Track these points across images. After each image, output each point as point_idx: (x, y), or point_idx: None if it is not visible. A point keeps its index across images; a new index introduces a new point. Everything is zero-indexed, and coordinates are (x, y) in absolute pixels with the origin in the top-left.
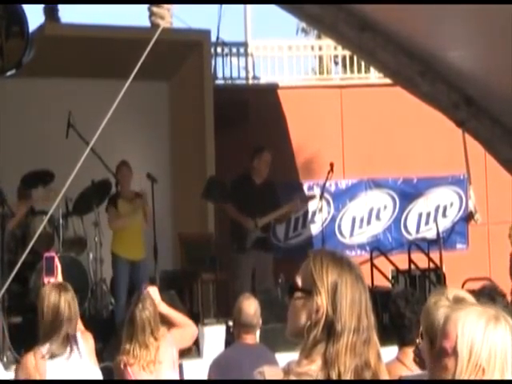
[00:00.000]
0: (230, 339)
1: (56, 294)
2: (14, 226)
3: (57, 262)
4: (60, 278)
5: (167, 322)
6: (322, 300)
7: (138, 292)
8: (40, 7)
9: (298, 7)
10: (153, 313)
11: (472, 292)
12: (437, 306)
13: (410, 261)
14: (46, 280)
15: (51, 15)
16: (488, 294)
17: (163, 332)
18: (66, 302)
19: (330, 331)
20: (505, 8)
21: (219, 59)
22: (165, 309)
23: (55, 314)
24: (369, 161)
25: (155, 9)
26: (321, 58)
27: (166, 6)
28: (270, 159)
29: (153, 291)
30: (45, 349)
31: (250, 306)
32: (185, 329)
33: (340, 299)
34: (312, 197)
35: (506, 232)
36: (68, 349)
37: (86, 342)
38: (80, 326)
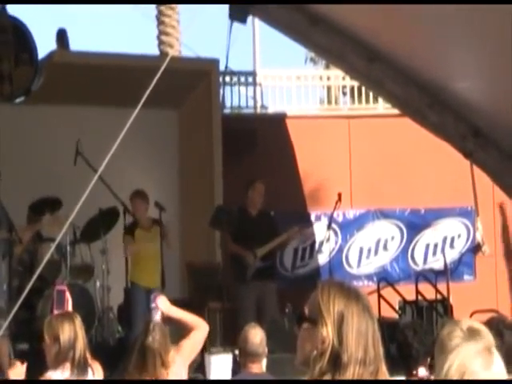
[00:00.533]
0: (237, 368)
1: (62, 323)
2: (21, 252)
3: (68, 295)
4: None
5: (180, 325)
6: (327, 331)
7: (147, 321)
8: (50, 34)
9: (306, 38)
10: (163, 343)
11: None
12: (450, 337)
13: (418, 292)
14: (55, 312)
15: (61, 42)
16: (496, 327)
17: (172, 357)
18: (72, 331)
19: (336, 362)
20: (510, 42)
21: (228, 88)
22: (176, 313)
23: (60, 342)
24: (376, 191)
25: (164, 37)
26: (329, 88)
27: (175, 35)
28: (263, 189)
29: (162, 301)
30: (56, 375)
31: (256, 335)
32: (195, 336)
33: (346, 330)
34: (311, 233)
35: None
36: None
37: (95, 371)
38: (87, 354)
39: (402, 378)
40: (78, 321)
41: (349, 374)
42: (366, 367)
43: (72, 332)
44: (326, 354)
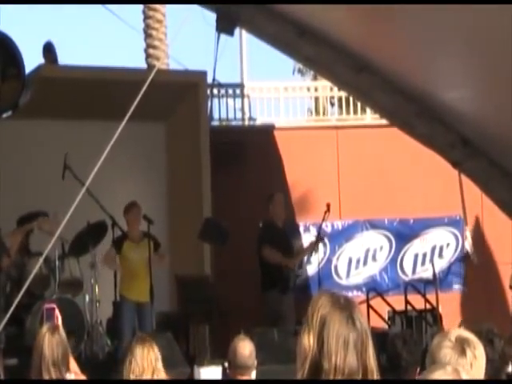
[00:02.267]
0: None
1: (43, 338)
2: (7, 266)
3: (57, 313)
4: (60, 328)
5: None
6: (309, 338)
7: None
8: (37, 48)
9: (294, 49)
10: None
11: None
12: (439, 347)
13: (407, 302)
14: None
15: (48, 56)
16: (485, 336)
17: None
18: (50, 346)
19: (317, 370)
20: (501, 50)
21: (215, 100)
22: None
23: (39, 357)
24: (365, 201)
25: (151, 51)
26: (317, 99)
27: (162, 48)
28: (283, 200)
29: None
30: None
31: (245, 348)
32: None
33: (327, 339)
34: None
35: (503, 273)
36: None
37: None
38: (75, 368)
39: None
40: (58, 336)
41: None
42: (349, 377)
43: (49, 347)
44: (307, 362)
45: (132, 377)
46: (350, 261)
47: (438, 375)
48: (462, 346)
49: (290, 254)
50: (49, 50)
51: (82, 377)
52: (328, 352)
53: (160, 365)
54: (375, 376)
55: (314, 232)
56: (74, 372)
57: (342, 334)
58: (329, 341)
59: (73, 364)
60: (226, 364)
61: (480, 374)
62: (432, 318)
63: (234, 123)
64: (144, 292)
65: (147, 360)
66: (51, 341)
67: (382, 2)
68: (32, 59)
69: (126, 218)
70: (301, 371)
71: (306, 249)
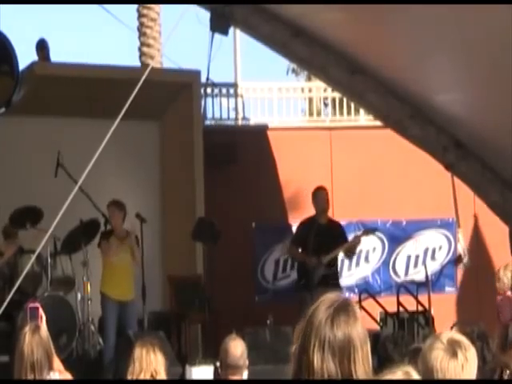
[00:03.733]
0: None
1: (24, 338)
2: (1, 265)
3: (41, 312)
4: (44, 327)
5: None
6: (296, 339)
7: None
8: (31, 46)
9: (288, 50)
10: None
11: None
12: (431, 349)
13: (399, 303)
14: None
15: (41, 53)
16: (477, 337)
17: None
18: (30, 347)
19: (300, 370)
20: (494, 54)
21: (209, 100)
22: None
23: (20, 357)
24: (358, 203)
25: (145, 49)
26: (311, 100)
27: (156, 46)
28: (325, 195)
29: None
30: None
31: (237, 348)
32: None
33: (309, 340)
34: (372, 230)
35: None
36: None
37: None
38: (60, 366)
39: None
40: (38, 335)
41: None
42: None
43: (28, 348)
44: (293, 362)
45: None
46: (343, 262)
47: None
48: (453, 348)
49: (324, 252)
50: (42, 47)
51: (67, 375)
52: (310, 354)
53: (162, 369)
54: (359, 374)
55: None
56: (58, 370)
57: (321, 336)
58: (310, 344)
59: (57, 362)
60: (218, 364)
61: (471, 377)
62: (424, 319)
63: (227, 123)
64: (126, 291)
65: (146, 362)
66: (31, 341)
67: (379, 2)
68: (25, 56)
69: (108, 215)
70: (290, 371)
71: (342, 248)
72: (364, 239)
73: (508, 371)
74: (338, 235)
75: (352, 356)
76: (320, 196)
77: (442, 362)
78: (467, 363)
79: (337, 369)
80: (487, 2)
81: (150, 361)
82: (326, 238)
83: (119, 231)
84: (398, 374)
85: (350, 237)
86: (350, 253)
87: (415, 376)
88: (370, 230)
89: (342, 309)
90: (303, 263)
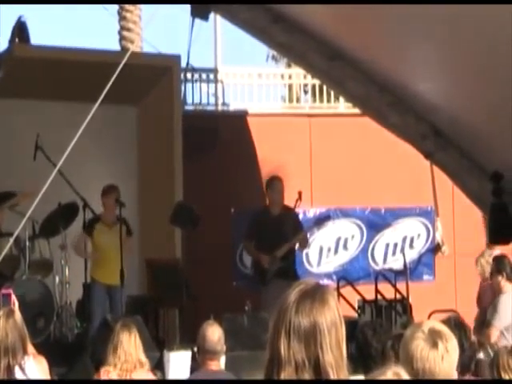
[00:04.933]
0: (195, 365)
1: None
2: None
3: (14, 298)
4: (16, 312)
5: None
6: (269, 328)
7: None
8: (9, 28)
9: (267, 36)
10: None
11: None
12: (412, 338)
13: (377, 291)
14: None
15: (21, 35)
16: (454, 326)
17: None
18: (4, 331)
19: (273, 361)
20: (474, 43)
21: (189, 85)
22: None
23: None
24: (337, 190)
25: (125, 33)
26: (290, 87)
27: (136, 30)
28: (281, 187)
29: None
30: None
31: (214, 333)
32: None
33: (279, 329)
34: (326, 218)
35: (473, 264)
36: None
37: (39, 365)
38: (33, 350)
39: (361, 376)
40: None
41: (284, 375)
42: (296, 368)
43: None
44: (267, 352)
45: (118, 363)
46: (321, 249)
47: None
48: (433, 338)
49: (278, 244)
50: (21, 29)
51: (41, 358)
52: (275, 336)
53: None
54: (332, 371)
55: None
56: (32, 354)
57: (287, 322)
58: (276, 325)
59: (30, 347)
60: (196, 349)
61: (451, 368)
62: (402, 307)
63: (207, 108)
64: (115, 275)
65: (134, 346)
66: (5, 326)
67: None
68: (4, 38)
69: (103, 200)
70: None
71: (296, 240)
72: (319, 229)
73: (482, 352)
74: (293, 225)
75: (318, 342)
76: (275, 187)
77: (422, 351)
78: (447, 354)
79: (303, 355)
80: (487, 2)
81: (135, 345)
82: (279, 229)
83: (110, 218)
84: (388, 374)
85: (306, 224)
86: (303, 244)
87: (405, 376)
88: (322, 219)
89: (309, 294)
90: (258, 260)
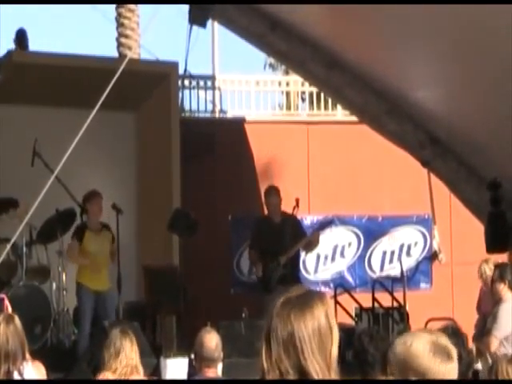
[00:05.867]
0: (193, 372)
1: None
2: None
3: (7, 303)
4: (16, 317)
5: None
6: (264, 331)
7: None
8: (9, 34)
9: (265, 43)
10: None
11: None
12: (426, 351)
13: (374, 299)
14: None
15: (20, 43)
16: (451, 334)
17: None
18: (5, 336)
19: (267, 360)
20: (473, 51)
21: (186, 92)
22: None
23: None
24: (334, 197)
25: (123, 40)
26: (288, 94)
27: (134, 37)
28: (278, 197)
29: None
30: None
31: (212, 340)
32: None
33: (270, 335)
34: (329, 223)
35: (470, 272)
36: None
37: (37, 370)
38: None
39: None
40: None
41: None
42: (283, 377)
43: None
44: (261, 357)
45: (119, 367)
46: (319, 256)
47: None
48: (447, 351)
49: (281, 251)
50: (21, 36)
51: (39, 364)
52: (271, 350)
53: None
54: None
55: None
56: (30, 360)
57: (272, 329)
58: (265, 333)
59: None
60: (193, 356)
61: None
62: (399, 315)
63: (204, 115)
64: (103, 281)
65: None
66: (6, 331)
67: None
68: (3, 44)
69: (87, 206)
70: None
71: (299, 246)
72: (322, 233)
73: (480, 362)
74: (295, 232)
75: (299, 349)
76: (273, 197)
77: (439, 365)
78: (456, 365)
79: (285, 363)
80: (487, 2)
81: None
82: (281, 237)
83: (96, 223)
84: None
85: (309, 230)
86: (308, 249)
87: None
88: (326, 223)
89: (290, 302)
90: (262, 266)
